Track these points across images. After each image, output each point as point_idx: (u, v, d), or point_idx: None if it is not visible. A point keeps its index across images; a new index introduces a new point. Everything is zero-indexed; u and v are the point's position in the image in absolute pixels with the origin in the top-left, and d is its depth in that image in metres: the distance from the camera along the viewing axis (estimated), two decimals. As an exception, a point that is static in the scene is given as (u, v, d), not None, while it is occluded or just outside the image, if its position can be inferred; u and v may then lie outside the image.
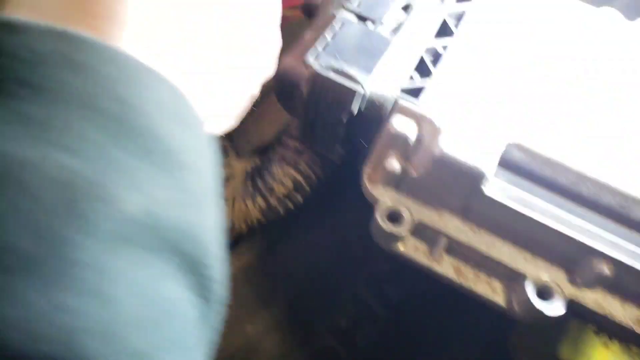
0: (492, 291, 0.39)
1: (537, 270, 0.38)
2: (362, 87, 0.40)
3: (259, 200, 0.49)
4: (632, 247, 0.37)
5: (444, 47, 0.45)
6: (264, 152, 0.54)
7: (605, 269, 0.36)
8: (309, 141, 0.46)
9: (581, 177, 0.39)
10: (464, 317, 0.59)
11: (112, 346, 0.16)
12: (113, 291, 0.17)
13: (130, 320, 0.17)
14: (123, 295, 0.17)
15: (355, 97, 0.40)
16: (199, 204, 0.21)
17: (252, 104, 0.61)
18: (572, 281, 0.38)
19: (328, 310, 0.58)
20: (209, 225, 0.22)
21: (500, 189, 0.39)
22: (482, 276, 0.40)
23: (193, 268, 0.20)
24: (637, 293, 0.38)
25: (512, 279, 0.39)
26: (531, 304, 0.37)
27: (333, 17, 0.44)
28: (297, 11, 0.51)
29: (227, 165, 0.50)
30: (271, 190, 0.48)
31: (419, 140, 0.40)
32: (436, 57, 0.45)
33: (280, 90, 0.43)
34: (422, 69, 0.44)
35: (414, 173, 0.40)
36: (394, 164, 0.40)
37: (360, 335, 0.62)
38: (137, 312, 0.17)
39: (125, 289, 0.17)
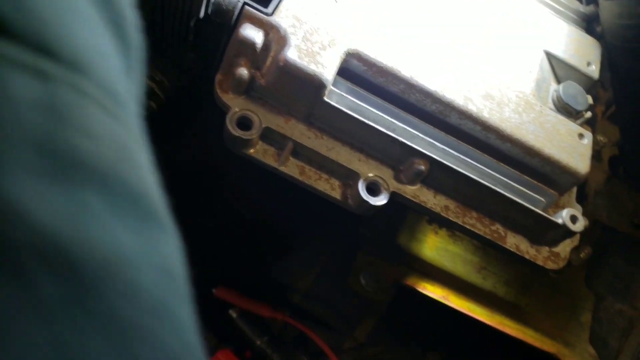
0: (331, 188, 0.44)
1: (368, 170, 0.43)
2: (209, -7, 0.40)
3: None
4: (446, 148, 0.44)
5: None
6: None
7: (422, 167, 0.43)
8: (159, 47, 0.46)
9: (410, 86, 0.44)
10: (322, 216, 0.66)
11: None
12: None
13: None
14: None
15: (201, 2, 0.40)
16: None
17: None
18: (397, 178, 0.44)
19: (197, 215, 0.61)
20: None
21: (339, 97, 0.42)
22: (324, 176, 0.44)
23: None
24: (447, 186, 0.45)
25: (348, 177, 0.44)
26: (361, 197, 0.42)
27: None
28: None
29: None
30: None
31: (266, 48, 0.42)
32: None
33: None
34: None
35: (262, 81, 0.42)
36: (243, 72, 0.41)
37: (228, 236, 0.66)
38: None
39: None
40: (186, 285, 0.19)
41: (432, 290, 0.56)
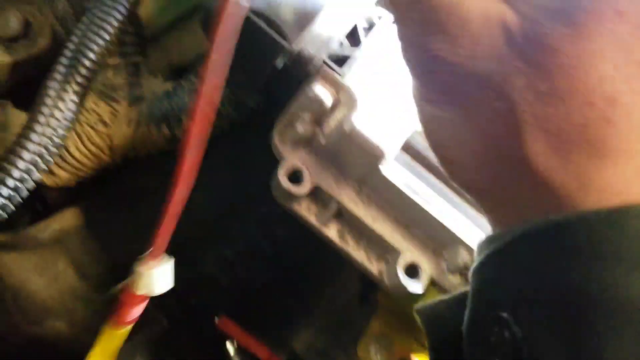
0: (368, 261, 0.43)
1: (411, 250, 0.42)
2: (290, 43, 0.39)
3: (164, 128, 0.47)
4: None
5: (379, 17, 0.46)
6: (180, 75, 0.52)
7: (468, 259, 0.41)
8: (228, 80, 0.45)
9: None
10: (342, 265, 0.64)
11: None
12: None
13: None
14: None
15: (281, 52, 0.39)
16: None
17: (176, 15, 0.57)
18: (438, 264, 0.43)
19: (216, 242, 0.60)
20: None
21: (395, 170, 0.41)
22: (362, 244, 0.43)
23: None
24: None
25: (388, 253, 0.43)
26: (398, 279, 0.41)
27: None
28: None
29: (137, 84, 0.47)
30: (179, 120, 0.47)
31: (333, 108, 0.41)
32: (371, 26, 0.45)
33: (208, 21, 0.42)
34: (354, 37, 0.44)
35: (322, 140, 0.41)
36: (305, 127, 0.41)
37: (243, 267, 0.64)
38: None
39: None
40: None
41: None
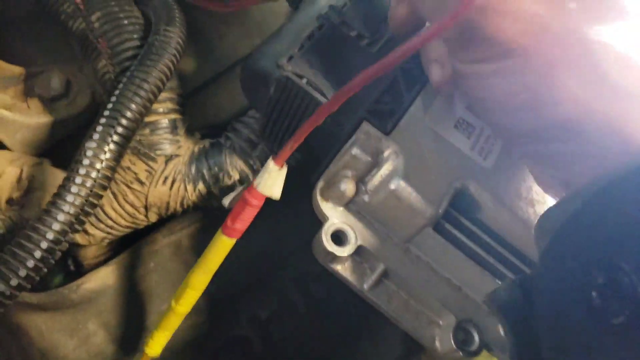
0: (417, 324, 0.40)
1: (464, 313, 0.39)
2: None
3: (200, 186, 0.46)
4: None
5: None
6: (217, 133, 0.51)
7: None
8: (267, 139, 0.44)
9: (526, 231, 0.40)
10: (382, 324, 0.61)
11: None
12: None
13: None
14: None
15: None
16: None
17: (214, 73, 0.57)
18: (493, 326, 0.40)
19: (251, 301, 0.58)
20: None
21: (445, 229, 0.39)
22: (411, 308, 0.41)
23: None
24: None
25: (440, 317, 0.40)
26: (451, 344, 0.38)
27: (316, 17, 0.41)
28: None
29: (174, 142, 0.47)
30: (215, 178, 0.46)
31: (377, 165, 0.39)
32: (412, 81, 0.44)
33: (248, 84, 0.41)
34: (395, 92, 0.42)
35: (366, 198, 0.39)
36: (348, 186, 0.39)
37: (277, 328, 0.62)
38: None
39: None
40: None
41: None
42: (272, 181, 0.36)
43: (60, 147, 0.55)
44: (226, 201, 0.44)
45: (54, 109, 0.53)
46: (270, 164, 0.36)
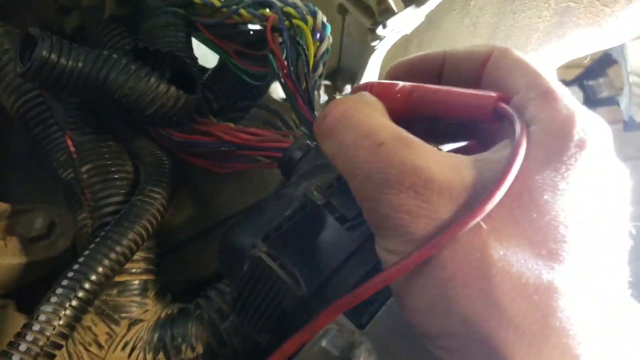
0: None
1: None
2: (304, 290, 0.36)
3: (161, 356, 0.43)
4: None
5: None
6: (195, 292, 0.48)
7: None
8: (238, 314, 0.41)
9: None
10: None
11: None
12: None
13: None
14: None
15: (293, 299, 0.36)
16: None
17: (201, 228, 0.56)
18: None
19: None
20: None
21: None
22: None
23: None
24: None
25: None
26: None
27: (301, 196, 0.41)
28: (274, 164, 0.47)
29: (141, 305, 0.44)
30: (177, 349, 0.43)
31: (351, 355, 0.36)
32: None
33: (224, 256, 0.40)
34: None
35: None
36: (314, 384, 0.35)
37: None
38: None
39: None
40: None
41: None
42: None
43: (30, 290, 0.53)
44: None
45: (32, 250, 0.51)
46: None
